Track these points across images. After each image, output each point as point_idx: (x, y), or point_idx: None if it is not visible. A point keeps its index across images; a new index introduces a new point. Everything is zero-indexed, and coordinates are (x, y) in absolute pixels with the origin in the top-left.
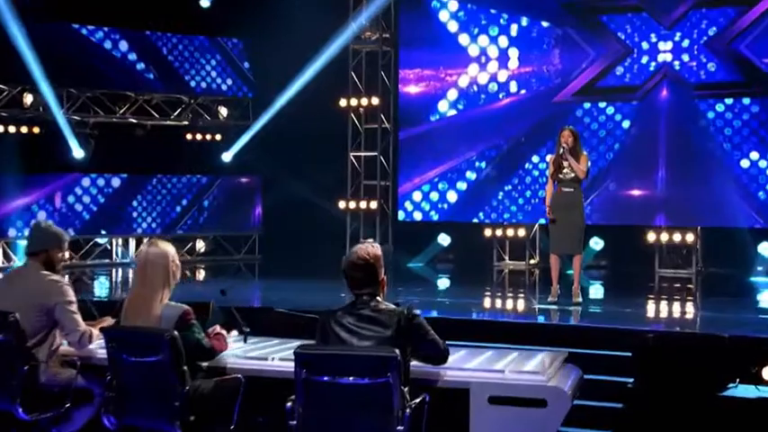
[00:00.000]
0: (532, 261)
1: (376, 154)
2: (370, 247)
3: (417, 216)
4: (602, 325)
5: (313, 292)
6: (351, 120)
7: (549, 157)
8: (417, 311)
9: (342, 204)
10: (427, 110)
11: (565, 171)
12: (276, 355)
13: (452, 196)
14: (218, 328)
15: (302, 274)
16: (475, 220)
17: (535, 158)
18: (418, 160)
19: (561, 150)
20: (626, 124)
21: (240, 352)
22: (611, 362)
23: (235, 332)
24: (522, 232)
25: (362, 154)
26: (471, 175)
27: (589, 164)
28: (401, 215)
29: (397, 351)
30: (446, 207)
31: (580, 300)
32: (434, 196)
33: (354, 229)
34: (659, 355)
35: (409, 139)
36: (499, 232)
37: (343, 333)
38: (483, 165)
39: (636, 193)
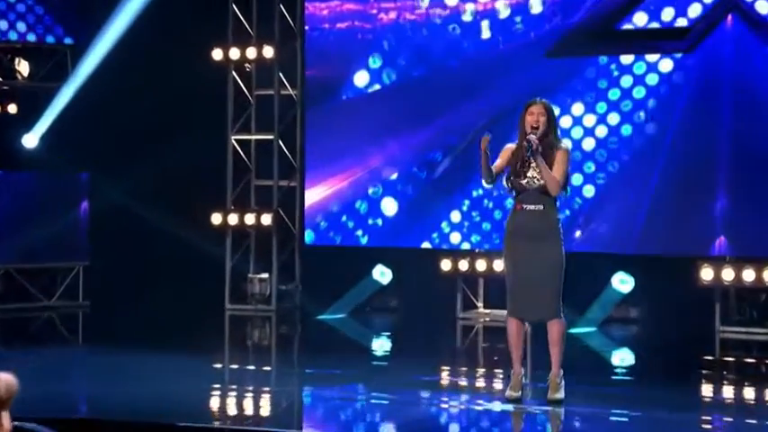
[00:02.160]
0: None
1: (272, 137)
2: None
3: (336, 238)
4: None
5: (163, 376)
6: (232, 82)
7: (506, 149)
8: None
9: (217, 219)
10: (351, 67)
11: (530, 175)
12: None
13: (391, 207)
14: None
15: (154, 335)
16: (426, 245)
17: None
18: (337, 149)
19: (528, 143)
20: (665, 91)
21: None
22: None
23: None
24: (500, 265)
25: (252, 137)
26: (420, 174)
27: (569, 167)
28: (309, 236)
29: None
30: (381, 224)
31: (561, 396)
32: (362, 207)
33: (239, 260)
34: None
35: (324, 113)
36: (464, 265)
37: None
38: (438, 157)
39: (683, 203)
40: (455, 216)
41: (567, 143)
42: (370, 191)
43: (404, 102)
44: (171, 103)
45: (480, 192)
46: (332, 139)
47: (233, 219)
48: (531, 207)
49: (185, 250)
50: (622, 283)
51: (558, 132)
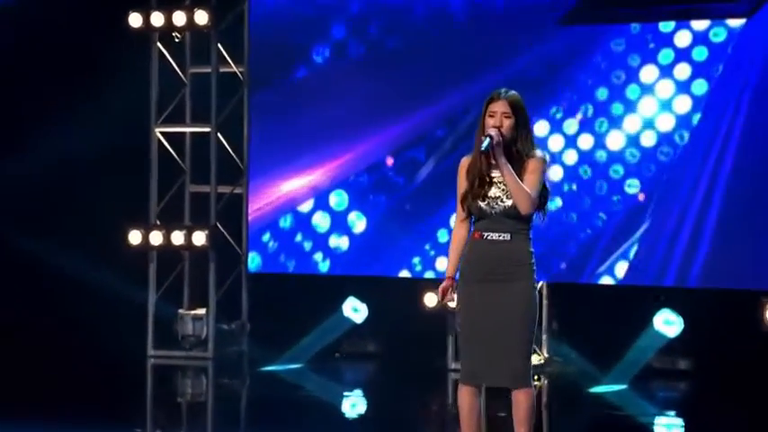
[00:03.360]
0: (534, 359)
1: (209, 130)
2: None
3: (288, 263)
4: None
5: None
6: (157, 57)
7: (463, 162)
8: None
9: (136, 237)
10: (309, 38)
11: (492, 195)
12: None
13: (359, 222)
14: None
15: (50, 396)
16: (405, 274)
17: None
18: (290, 144)
19: (485, 144)
20: (719, 70)
21: None
22: None
23: None
24: None
25: (185, 129)
26: (396, 178)
27: (546, 174)
28: (254, 261)
29: None
30: (347, 245)
31: None
32: (322, 223)
33: (167, 292)
34: None
35: (274, 96)
36: (455, 300)
37: None
38: (420, 156)
39: (742, 221)
40: (442, 235)
41: (543, 152)
42: (333, 201)
43: (376, 82)
44: (74, 83)
45: None
46: (283, 131)
47: (156, 237)
48: (494, 236)
49: (94, 279)
50: (667, 324)
51: (533, 139)
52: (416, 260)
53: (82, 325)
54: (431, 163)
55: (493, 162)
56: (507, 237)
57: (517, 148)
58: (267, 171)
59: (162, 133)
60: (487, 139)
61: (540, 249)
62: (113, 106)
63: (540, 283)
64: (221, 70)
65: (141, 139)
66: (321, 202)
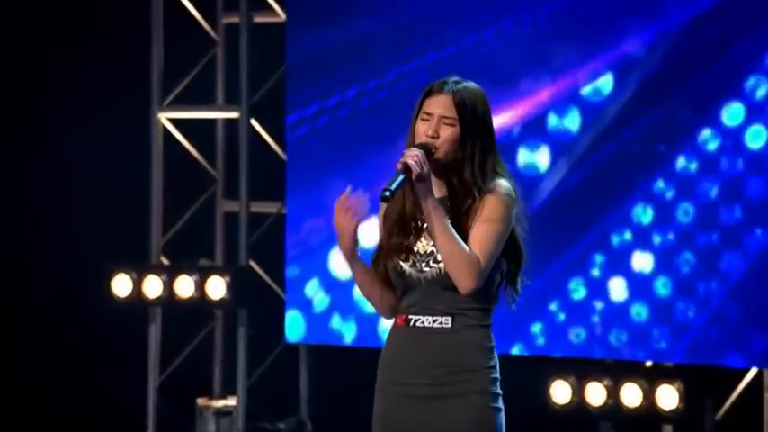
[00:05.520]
0: None
1: (237, 116)
2: None
3: (345, 330)
4: None
5: None
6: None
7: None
8: None
9: (124, 286)
10: None
11: (421, 250)
12: None
13: None
14: None
15: None
16: (517, 351)
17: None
18: (350, 134)
19: (396, 183)
20: None
21: None
22: None
23: None
24: (670, 396)
25: (215, 115)
26: None
27: (513, 220)
28: (294, 325)
29: None
30: None
31: None
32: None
33: (179, 370)
34: None
35: (321, 58)
36: (599, 392)
37: None
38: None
39: None
40: (576, 288)
41: (510, 182)
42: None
43: (473, 34)
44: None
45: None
46: (337, 113)
47: (154, 286)
48: (427, 321)
49: (66, 348)
50: None
51: (497, 161)
52: (537, 328)
53: (40, 423)
54: (557, 171)
55: (421, 205)
56: (447, 322)
57: (463, 179)
58: (312, 176)
59: (171, 121)
60: (400, 177)
61: (734, 313)
62: (103, 89)
63: (754, 368)
64: (254, 20)
65: (141, 132)
66: None
